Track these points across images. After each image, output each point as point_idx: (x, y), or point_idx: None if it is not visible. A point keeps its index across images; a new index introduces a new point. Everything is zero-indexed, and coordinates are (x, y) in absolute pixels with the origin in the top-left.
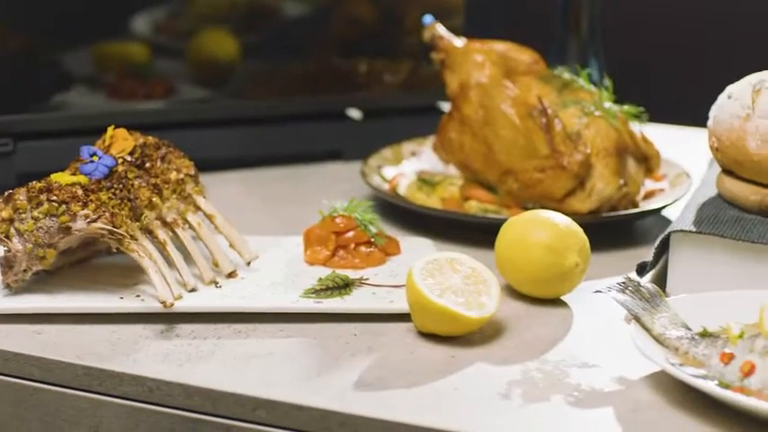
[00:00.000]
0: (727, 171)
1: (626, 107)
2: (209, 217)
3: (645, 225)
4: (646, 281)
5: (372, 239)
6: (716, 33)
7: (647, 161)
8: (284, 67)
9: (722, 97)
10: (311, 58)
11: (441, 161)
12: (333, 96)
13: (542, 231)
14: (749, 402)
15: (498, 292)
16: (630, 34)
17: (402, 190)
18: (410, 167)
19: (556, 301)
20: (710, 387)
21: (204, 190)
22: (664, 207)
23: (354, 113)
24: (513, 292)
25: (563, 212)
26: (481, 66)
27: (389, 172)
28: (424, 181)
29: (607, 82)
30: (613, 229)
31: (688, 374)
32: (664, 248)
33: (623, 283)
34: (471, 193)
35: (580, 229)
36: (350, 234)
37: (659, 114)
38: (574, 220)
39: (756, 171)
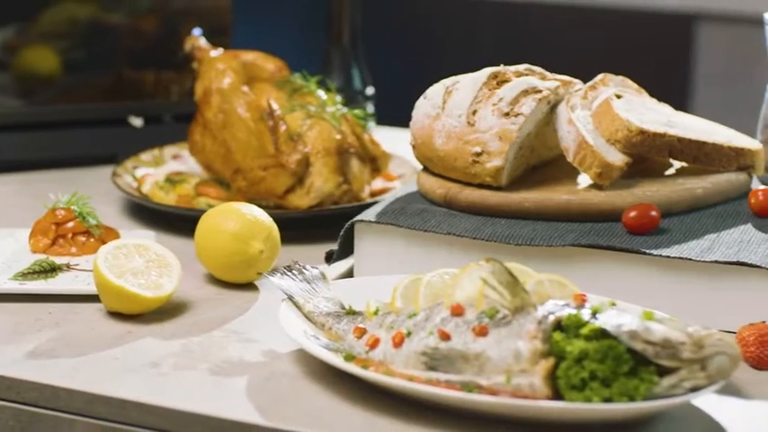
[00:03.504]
0: (424, 167)
1: (355, 111)
2: None
3: None
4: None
5: (90, 230)
6: (468, 42)
7: (374, 161)
8: (82, 77)
9: (420, 98)
10: (106, 70)
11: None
12: (115, 104)
13: (230, 221)
14: (362, 372)
15: (179, 276)
16: (391, 44)
17: (146, 188)
18: (168, 169)
19: (249, 286)
20: (328, 356)
21: None
22: (374, 202)
23: (136, 121)
24: (212, 277)
25: (285, 208)
26: (222, 73)
27: (145, 173)
28: (168, 180)
29: (370, 90)
30: (337, 223)
31: (318, 347)
32: (350, 237)
33: (288, 266)
34: (203, 190)
35: (268, 219)
36: (69, 225)
37: None
38: (296, 214)
39: (442, 166)
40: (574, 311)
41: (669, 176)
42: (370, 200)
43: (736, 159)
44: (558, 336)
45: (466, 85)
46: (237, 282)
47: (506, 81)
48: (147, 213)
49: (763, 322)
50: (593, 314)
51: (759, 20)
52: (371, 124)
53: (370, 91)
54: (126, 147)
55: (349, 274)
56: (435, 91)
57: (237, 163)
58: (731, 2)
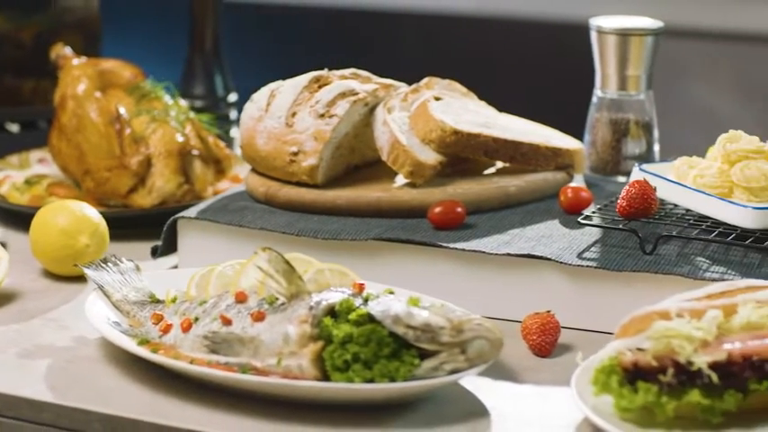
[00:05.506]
0: (252, 167)
1: (201, 115)
2: None
3: None
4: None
5: None
6: (343, 49)
7: (219, 163)
8: None
9: (248, 102)
10: None
11: None
12: None
13: (60, 217)
14: (149, 355)
15: (5, 268)
16: (260, 51)
17: (3, 189)
18: (32, 172)
19: (80, 278)
20: (122, 340)
21: None
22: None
23: (13, 127)
24: (47, 270)
25: (129, 207)
26: (77, 80)
27: (6, 175)
28: (27, 182)
29: (233, 96)
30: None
31: (115, 332)
32: (174, 232)
33: (104, 259)
34: (53, 190)
35: (97, 216)
36: None
37: None
38: (139, 212)
39: (264, 166)
40: (347, 298)
41: (486, 175)
42: None
43: (554, 159)
44: (328, 321)
45: (288, 88)
46: (67, 274)
47: (328, 84)
48: (3, 213)
49: (548, 312)
50: (365, 301)
51: (677, 31)
52: (234, 130)
53: (233, 97)
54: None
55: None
56: (261, 94)
57: (88, 165)
58: (651, 14)
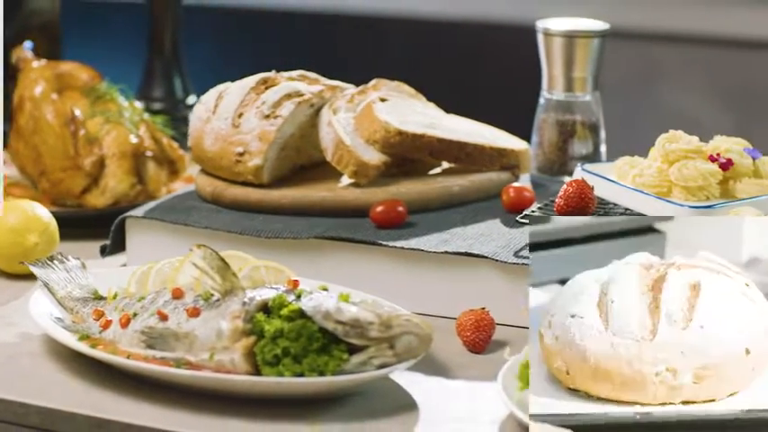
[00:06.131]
0: (201, 168)
1: (156, 117)
2: None
3: None
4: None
5: None
6: (312, 54)
7: (173, 164)
8: None
9: (197, 103)
10: None
11: None
12: None
13: (11, 215)
14: (87, 350)
15: None
16: (221, 54)
17: None
18: None
19: (31, 276)
20: (63, 336)
21: None
22: None
23: None
24: None
25: (84, 207)
26: (34, 82)
27: None
28: None
29: (192, 99)
30: None
31: (57, 327)
32: (123, 231)
33: (50, 257)
34: (9, 190)
35: (47, 215)
36: None
37: None
38: (93, 212)
39: (212, 166)
40: (280, 294)
41: (431, 175)
42: None
43: (500, 159)
44: (260, 316)
45: (235, 89)
46: (17, 272)
47: (275, 85)
48: None
49: (483, 309)
50: (298, 297)
51: (655, 35)
52: None
53: (191, 100)
54: None
55: None
56: (209, 95)
57: (45, 165)
58: (629, 17)
